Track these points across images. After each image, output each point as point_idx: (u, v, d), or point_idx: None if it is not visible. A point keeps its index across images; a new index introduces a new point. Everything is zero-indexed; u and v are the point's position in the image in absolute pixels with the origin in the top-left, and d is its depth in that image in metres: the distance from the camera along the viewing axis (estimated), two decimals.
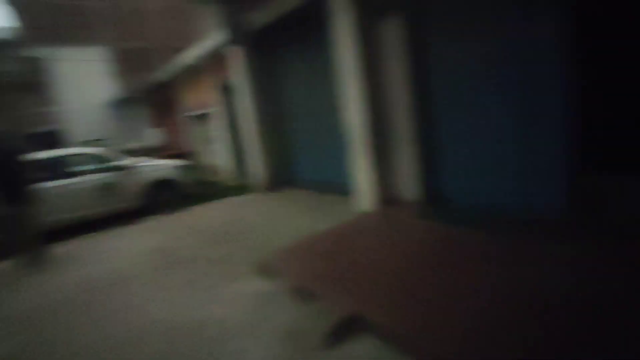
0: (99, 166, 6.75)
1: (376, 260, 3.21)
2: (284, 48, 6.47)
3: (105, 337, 2.79)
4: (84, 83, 20.48)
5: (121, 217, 6.62)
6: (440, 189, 4.42)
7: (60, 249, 5.24)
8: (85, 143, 16.85)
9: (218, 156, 10.24)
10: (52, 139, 21.54)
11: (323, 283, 2.95)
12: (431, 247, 3.34)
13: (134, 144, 18.39)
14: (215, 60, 8.88)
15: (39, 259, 4.75)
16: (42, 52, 19.73)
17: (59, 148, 16.51)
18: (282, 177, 7.11)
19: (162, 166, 7.53)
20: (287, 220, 5.10)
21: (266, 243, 4.26)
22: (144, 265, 4.20)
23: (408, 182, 4.57)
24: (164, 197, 7.15)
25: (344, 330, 2.37)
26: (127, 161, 6.98)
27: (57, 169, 6.42)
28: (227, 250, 4.27)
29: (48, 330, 3.04)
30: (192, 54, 9.32)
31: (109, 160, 6.83)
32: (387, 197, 4.75)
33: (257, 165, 7.05)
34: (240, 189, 7.56)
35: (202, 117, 10.95)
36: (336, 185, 5.84)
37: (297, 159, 6.96)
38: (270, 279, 3.32)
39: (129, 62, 21.14)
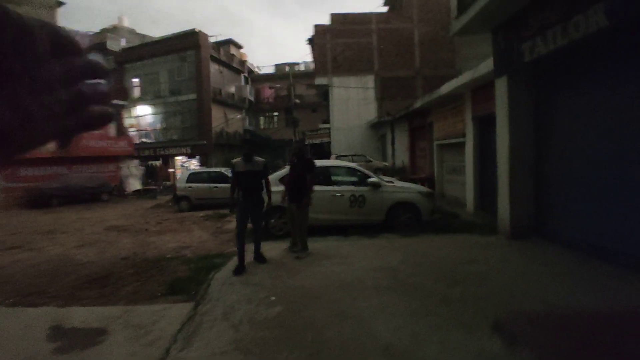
0: (354, 179, 7.73)
1: None
2: (565, 77, 5.60)
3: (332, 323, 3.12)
4: (351, 106, 23.91)
5: (363, 227, 7.31)
6: None
7: (316, 244, 6.26)
8: (345, 157, 19.66)
9: (463, 188, 9.94)
10: (323, 150, 26.24)
11: None
12: None
13: (384, 163, 20.23)
14: (476, 91, 8.72)
15: (305, 249, 5.82)
16: (326, 79, 24.18)
17: (327, 159, 19.93)
18: (531, 224, 6.18)
19: (407, 188, 7.92)
20: (534, 280, 4.36)
21: (505, 300, 3.76)
22: (374, 281, 4.48)
23: None
24: (403, 219, 7.50)
25: None
26: (378, 179, 7.67)
27: (324, 176, 7.71)
28: (459, 292, 4.04)
29: (302, 303, 3.69)
30: (452, 84, 9.45)
31: (363, 176, 7.70)
32: None
33: (504, 205, 6.38)
34: (480, 228, 7.06)
35: (452, 147, 10.93)
36: (619, 256, 4.53)
37: (559, 207, 5.78)
38: (507, 344, 2.91)
39: (392, 89, 23.34)
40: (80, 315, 3.80)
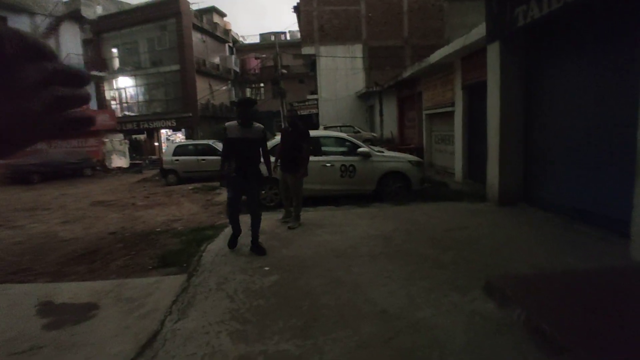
0: (344, 149, 7.64)
1: None
2: (556, 44, 5.51)
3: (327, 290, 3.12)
4: (338, 76, 23.49)
5: (354, 197, 7.29)
6: None
7: (308, 214, 6.23)
8: (333, 128, 19.48)
9: (451, 158, 9.96)
10: (311, 122, 25.92)
11: (583, 339, 2.39)
12: None
13: (373, 134, 20.13)
14: (466, 59, 8.57)
15: (298, 219, 5.76)
16: (313, 49, 23.61)
17: (316, 130, 19.71)
18: (519, 191, 6.23)
19: (396, 158, 7.89)
20: (523, 244, 4.44)
21: (496, 263, 3.83)
22: (368, 248, 4.49)
23: None
24: (393, 188, 7.49)
25: None
26: (367, 149, 7.60)
27: (315, 146, 7.59)
28: (452, 256, 4.08)
29: (297, 272, 3.68)
30: (442, 52, 9.27)
31: (353, 146, 7.61)
32: None
33: (493, 173, 6.41)
34: (469, 196, 7.12)
35: (441, 116, 10.86)
36: (601, 219, 4.62)
37: (546, 174, 5.83)
38: (499, 304, 2.95)
39: (380, 59, 22.93)
40: (69, 291, 3.72)
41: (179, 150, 13.73)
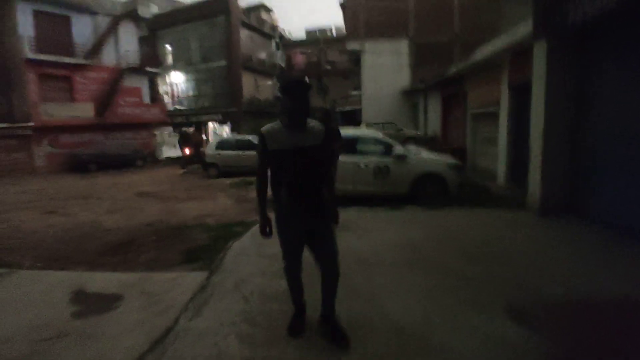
0: (379, 149, 7.47)
1: None
2: (613, 43, 5.00)
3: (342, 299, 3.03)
4: (383, 72, 23.06)
5: (387, 199, 7.12)
6: None
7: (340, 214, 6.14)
8: (375, 125, 19.20)
9: (495, 161, 9.46)
10: (353, 118, 25.77)
11: None
12: None
13: (415, 133, 19.63)
14: (514, 57, 8.06)
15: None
16: (358, 45, 23.33)
17: (357, 126, 19.54)
18: (563, 201, 5.76)
19: (434, 160, 7.61)
20: (561, 262, 4.07)
21: (527, 282, 3.54)
22: (392, 256, 4.33)
23: None
24: (428, 191, 7.23)
25: None
26: (403, 150, 7.37)
27: (348, 146, 7.49)
28: (479, 270, 3.84)
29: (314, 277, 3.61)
30: (489, 48, 8.78)
31: (388, 146, 7.42)
32: None
33: (534, 180, 5.98)
34: (509, 203, 6.70)
35: (486, 117, 10.34)
36: None
37: (596, 184, 5.31)
38: (522, 330, 2.71)
39: (427, 55, 22.23)
40: (101, 281, 3.94)
41: (221, 144, 14.14)
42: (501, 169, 8.92)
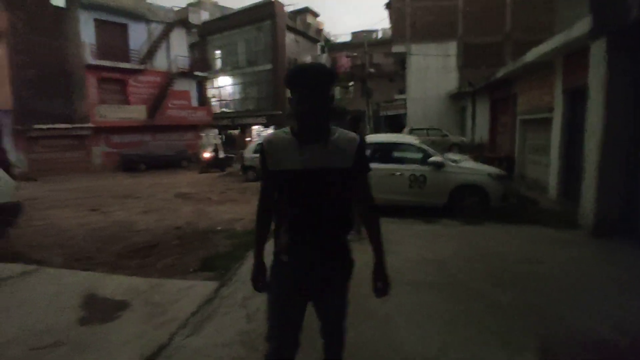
0: (415, 157, 7.04)
1: None
2: None
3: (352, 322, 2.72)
4: (429, 75, 22.26)
5: (422, 210, 6.67)
6: None
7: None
8: (419, 130, 18.53)
9: (546, 171, 8.66)
10: (397, 122, 25.14)
11: None
12: None
13: (462, 138, 18.71)
14: (569, 58, 7.30)
15: (358, 232, 5.38)
16: (404, 46, 22.72)
17: (400, 131, 18.97)
18: (620, 221, 5.01)
19: (475, 169, 7.06)
20: (613, 293, 3.50)
21: (567, 316, 3.05)
22: (416, 275, 3.96)
23: None
24: (467, 203, 6.70)
25: None
26: (441, 158, 6.90)
27: (382, 153, 7.14)
28: (513, 298, 3.38)
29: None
30: (540, 49, 8.04)
31: (425, 154, 6.97)
32: None
33: (588, 196, 5.30)
34: (558, 220, 6.02)
35: (537, 123, 9.51)
36: None
37: None
38: None
39: (477, 56, 21.17)
40: (113, 285, 3.91)
41: (259, 147, 14.21)
42: (552, 181, 8.13)
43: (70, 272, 4.34)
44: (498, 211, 6.57)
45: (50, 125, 18.41)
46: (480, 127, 16.59)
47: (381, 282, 1.88)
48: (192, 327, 3.01)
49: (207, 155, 18.54)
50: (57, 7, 19.01)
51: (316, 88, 1.59)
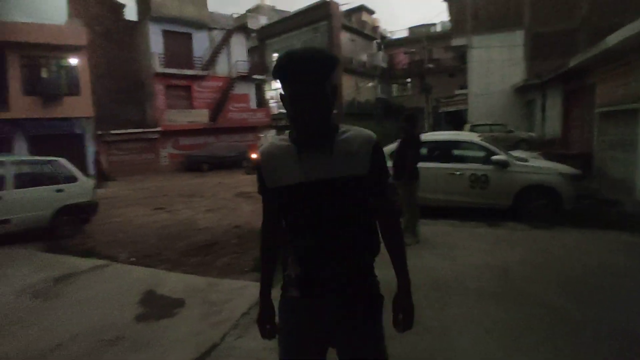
0: (477, 156, 6.64)
1: None
2: None
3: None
4: (493, 68, 21.00)
5: (485, 213, 6.27)
6: None
7: (423, 229, 5.57)
8: (481, 127, 17.53)
9: (631, 169, 7.75)
10: (458, 119, 24.06)
11: None
12: None
13: (530, 134, 17.39)
14: None
15: (415, 231, 5.16)
16: (464, 40, 21.63)
17: (461, 128, 18.08)
18: None
19: (544, 168, 6.48)
20: None
21: None
22: (477, 283, 3.70)
23: None
24: (535, 205, 6.17)
25: None
26: (506, 156, 6.43)
27: (441, 152, 6.82)
28: (588, 313, 3.02)
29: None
30: (624, 32, 7.17)
31: (487, 152, 6.54)
32: None
33: None
34: None
35: (621, 115, 8.54)
36: None
37: None
38: None
39: (547, 46, 19.57)
40: (173, 282, 4.11)
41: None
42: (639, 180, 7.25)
43: (136, 269, 4.64)
44: (571, 214, 5.98)
45: (125, 130, 20.12)
46: (551, 121, 15.30)
47: (403, 314, 1.45)
48: (243, 328, 3.05)
49: (254, 156, 19.05)
50: (130, 21, 20.61)
51: (312, 81, 1.24)
